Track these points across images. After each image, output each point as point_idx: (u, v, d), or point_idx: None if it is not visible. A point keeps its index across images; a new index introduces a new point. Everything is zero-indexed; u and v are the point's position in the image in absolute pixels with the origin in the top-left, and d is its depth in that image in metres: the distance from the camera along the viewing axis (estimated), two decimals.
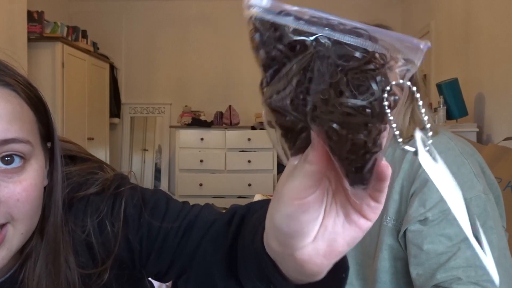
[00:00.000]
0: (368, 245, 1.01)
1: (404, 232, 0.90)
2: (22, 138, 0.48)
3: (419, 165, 0.89)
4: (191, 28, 4.82)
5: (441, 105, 2.86)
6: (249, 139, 4.20)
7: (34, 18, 3.41)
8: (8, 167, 0.48)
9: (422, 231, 0.86)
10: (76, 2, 4.74)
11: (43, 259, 0.54)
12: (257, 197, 2.43)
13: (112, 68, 4.69)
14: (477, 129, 2.76)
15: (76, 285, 0.55)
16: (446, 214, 0.84)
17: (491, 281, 0.79)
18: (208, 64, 4.81)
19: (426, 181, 0.87)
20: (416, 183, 0.89)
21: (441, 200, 0.85)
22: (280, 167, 4.45)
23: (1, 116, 0.47)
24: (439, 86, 2.95)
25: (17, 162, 0.48)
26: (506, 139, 2.21)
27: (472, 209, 0.84)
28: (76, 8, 4.75)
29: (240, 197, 4.15)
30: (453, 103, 2.85)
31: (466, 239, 0.82)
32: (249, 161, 4.17)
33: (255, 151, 4.21)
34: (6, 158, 0.47)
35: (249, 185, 4.15)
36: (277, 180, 4.26)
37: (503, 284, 0.80)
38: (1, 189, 0.46)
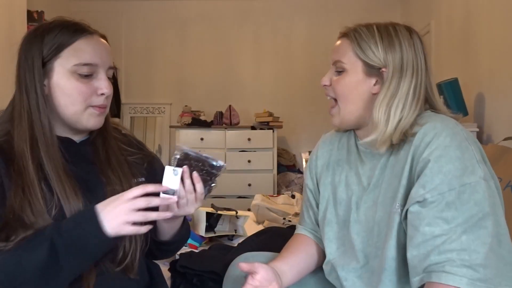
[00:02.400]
0: (376, 236, 1.00)
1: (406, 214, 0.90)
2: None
3: (424, 148, 0.90)
4: (190, 28, 4.82)
5: None
6: (249, 139, 4.20)
7: (34, 18, 3.41)
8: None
9: (421, 213, 0.86)
10: (76, 2, 4.74)
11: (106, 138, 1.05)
12: (257, 197, 2.43)
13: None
14: (477, 129, 2.75)
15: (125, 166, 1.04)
16: (445, 197, 0.85)
17: (484, 265, 0.80)
18: (208, 64, 4.81)
19: (428, 162, 0.88)
20: (420, 164, 0.90)
21: (441, 182, 0.86)
22: (280, 167, 4.45)
23: (109, 52, 1.00)
24: (439, 86, 2.94)
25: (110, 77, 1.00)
26: (506, 139, 2.20)
27: (472, 194, 0.84)
28: (76, 8, 4.74)
29: (240, 197, 4.14)
30: (453, 103, 2.85)
31: (463, 223, 0.83)
32: (249, 161, 4.17)
33: (255, 151, 4.21)
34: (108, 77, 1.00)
35: (249, 185, 4.15)
36: (277, 180, 4.27)
37: (493, 269, 0.81)
38: (108, 85, 0.98)
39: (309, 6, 4.75)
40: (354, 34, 1.03)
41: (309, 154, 4.66)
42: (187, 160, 0.93)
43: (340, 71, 1.04)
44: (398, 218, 0.94)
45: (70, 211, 0.89)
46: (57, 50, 0.94)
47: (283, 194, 2.66)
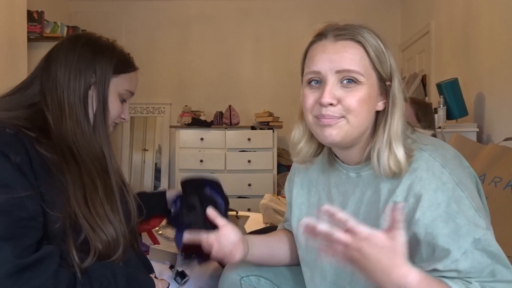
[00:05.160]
0: (350, 275, 0.96)
1: None
2: None
3: (415, 207, 0.82)
4: (191, 28, 4.82)
5: (441, 105, 2.86)
6: (249, 139, 4.20)
7: (34, 18, 3.41)
8: None
9: (433, 272, 0.81)
10: (76, 2, 4.74)
11: None
12: (266, 197, 2.40)
13: None
14: (477, 129, 2.75)
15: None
16: (458, 265, 0.79)
17: None
18: (208, 64, 4.81)
19: (426, 227, 0.81)
20: (415, 226, 0.82)
21: (448, 245, 0.79)
22: (280, 168, 4.45)
23: None
24: (439, 86, 2.95)
25: None
26: (506, 139, 2.20)
27: (485, 248, 0.78)
28: (76, 8, 4.74)
29: (240, 197, 4.14)
30: (453, 103, 2.85)
31: (477, 277, 0.79)
32: (249, 161, 4.17)
33: (255, 151, 4.21)
34: None
35: (249, 185, 4.15)
36: (277, 180, 4.26)
37: None
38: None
39: (309, 6, 4.75)
40: (363, 37, 0.85)
41: None
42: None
43: (350, 83, 0.86)
44: None
45: None
46: None
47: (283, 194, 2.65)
